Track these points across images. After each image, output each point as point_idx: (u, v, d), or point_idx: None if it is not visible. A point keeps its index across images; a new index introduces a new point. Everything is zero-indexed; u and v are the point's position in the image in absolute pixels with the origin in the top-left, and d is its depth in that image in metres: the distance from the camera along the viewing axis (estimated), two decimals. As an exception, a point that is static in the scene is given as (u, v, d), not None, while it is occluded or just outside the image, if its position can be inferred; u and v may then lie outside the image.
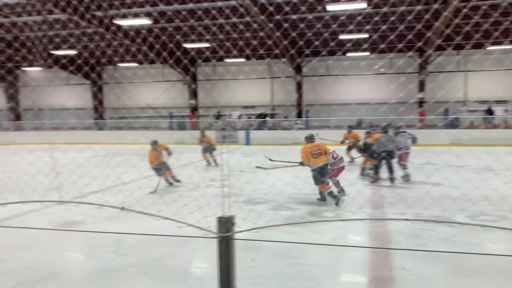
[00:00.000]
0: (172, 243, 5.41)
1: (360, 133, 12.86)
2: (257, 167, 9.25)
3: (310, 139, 7.84)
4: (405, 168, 9.84)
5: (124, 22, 18.09)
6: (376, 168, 9.72)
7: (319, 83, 25.04)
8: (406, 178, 9.74)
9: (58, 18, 18.83)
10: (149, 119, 27.68)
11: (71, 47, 23.00)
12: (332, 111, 24.08)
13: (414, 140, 10.40)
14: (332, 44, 15.95)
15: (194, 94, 27.63)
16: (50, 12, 16.99)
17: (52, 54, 23.74)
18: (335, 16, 16.38)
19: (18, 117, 30.51)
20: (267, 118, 24.92)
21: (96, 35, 21.70)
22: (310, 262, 4.86)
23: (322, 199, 7.78)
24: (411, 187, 9.25)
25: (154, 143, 9.66)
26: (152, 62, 26.04)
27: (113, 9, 17.34)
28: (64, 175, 10.46)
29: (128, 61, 26.80)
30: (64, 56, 24.84)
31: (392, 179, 9.50)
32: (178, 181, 9.94)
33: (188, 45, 21.85)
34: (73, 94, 29.49)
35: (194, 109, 27.76)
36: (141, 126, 26.58)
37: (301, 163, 7.71)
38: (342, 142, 13.55)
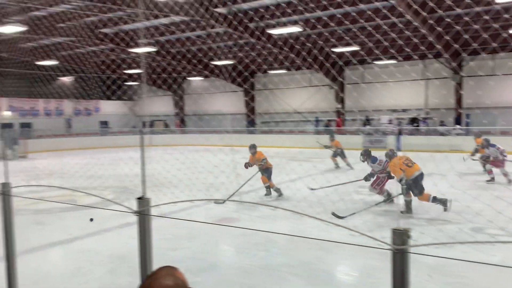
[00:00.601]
0: (321, 247, 5.45)
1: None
2: (332, 213, 7.14)
3: (393, 154, 7.72)
4: None
5: (276, 31, 18.93)
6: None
7: (482, 84, 22.40)
8: None
9: (217, 32, 20.70)
10: (295, 124, 28.42)
11: (226, 58, 25.04)
12: (499, 116, 21.29)
13: None
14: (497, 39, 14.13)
15: (340, 99, 27.43)
16: (213, 26, 18.75)
17: (208, 64, 26.21)
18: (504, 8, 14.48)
19: (182, 122, 34.44)
20: (420, 123, 23.30)
21: (248, 45, 23.20)
22: (473, 283, 4.37)
23: (408, 211, 7.35)
24: None
25: (252, 148, 9.31)
26: (299, 68, 26.68)
27: (264, 20, 18.32)
28: (218, 174, 11.38)
29: (277, 68, 27.97)
30: (216, 66, 27.12)
31: None
32: (268, 194, 9.28)
33: (334, 49, 21.81)
34: (228, 101, 32.02)
35: (341, 113, 27.55)
36: (288, 130, 27.46)
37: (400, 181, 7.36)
38: (476, 151, 12.05)
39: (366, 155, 8.29)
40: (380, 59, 22.53)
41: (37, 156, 19.43)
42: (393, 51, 16.87)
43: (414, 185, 7.26)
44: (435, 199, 7.17)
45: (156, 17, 15.52)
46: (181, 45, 24.05)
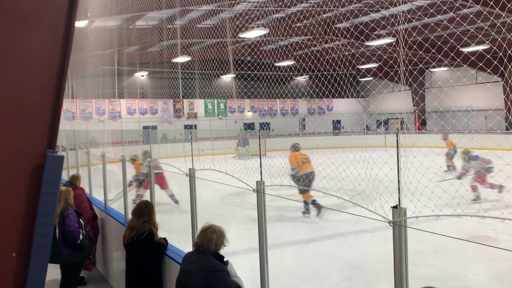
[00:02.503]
0: None
1: None
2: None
3: (296, 147, 8.75)
4: None
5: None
6: None
7: None
8: None
9: (470, 12, 18.88)
10: None
11: (480, 42, 22.57)
12: None
13: None
14: None
15: None
16: (464, 6, 17.24)
17: (457, 51, 24.10)
18: None
19: (422, 118, 32.83)
20: None
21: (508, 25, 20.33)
22: None
23: (306, 211, 8.34)
24: None
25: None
26: None
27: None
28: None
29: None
30: (473, 53, 24.70)
31: None
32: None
33: None
34: (481, 93, 28.91)
35: None
36: None
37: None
38: None
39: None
40: None
41: (273, 154, 21.85)
42: None
43: (303, 181, 8.09)
44: (314, 202, 8.12)
45: (396, 4, 15.31)
46: (421, 32, 22.99)
